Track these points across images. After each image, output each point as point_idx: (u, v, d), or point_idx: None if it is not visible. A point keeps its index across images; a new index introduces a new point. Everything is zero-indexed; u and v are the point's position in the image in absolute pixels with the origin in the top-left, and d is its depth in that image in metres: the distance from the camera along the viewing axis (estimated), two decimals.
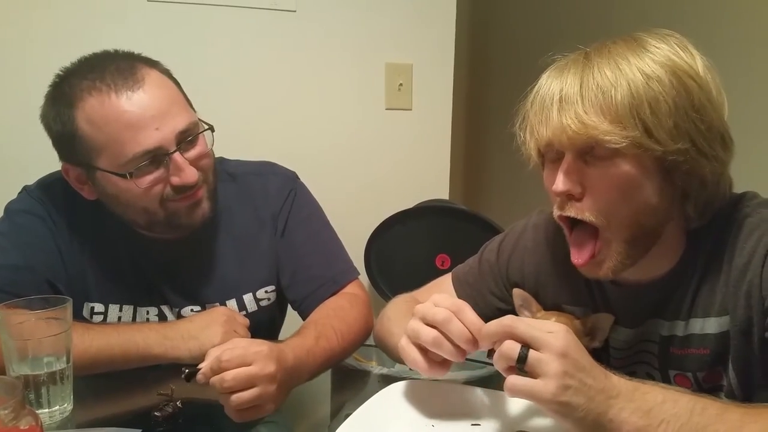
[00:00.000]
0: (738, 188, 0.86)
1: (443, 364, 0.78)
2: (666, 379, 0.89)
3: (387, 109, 1.92)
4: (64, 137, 1.01)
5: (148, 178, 1.00)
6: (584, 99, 0.77)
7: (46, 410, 0.83)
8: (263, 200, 1.20)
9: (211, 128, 1.07)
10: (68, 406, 0.86)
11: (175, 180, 1.01)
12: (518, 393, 0.67)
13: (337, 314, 1.10)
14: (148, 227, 1.07)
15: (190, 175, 1.01)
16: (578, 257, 0.83)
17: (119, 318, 1.12)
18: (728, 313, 0.81)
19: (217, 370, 0.82)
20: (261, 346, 0.86)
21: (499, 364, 0.70)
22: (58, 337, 0.84)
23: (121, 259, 1.11)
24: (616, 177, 0.78)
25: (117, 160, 0.98)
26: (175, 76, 1.09)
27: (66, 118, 0.99)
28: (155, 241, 1.11)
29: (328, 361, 1.02)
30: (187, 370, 0.85)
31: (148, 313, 1.13)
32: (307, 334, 1.01)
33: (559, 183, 0.80)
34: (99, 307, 1.11)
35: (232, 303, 1.15)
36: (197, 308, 1.14)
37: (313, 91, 1.84)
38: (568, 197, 0.81)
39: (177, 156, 1.00)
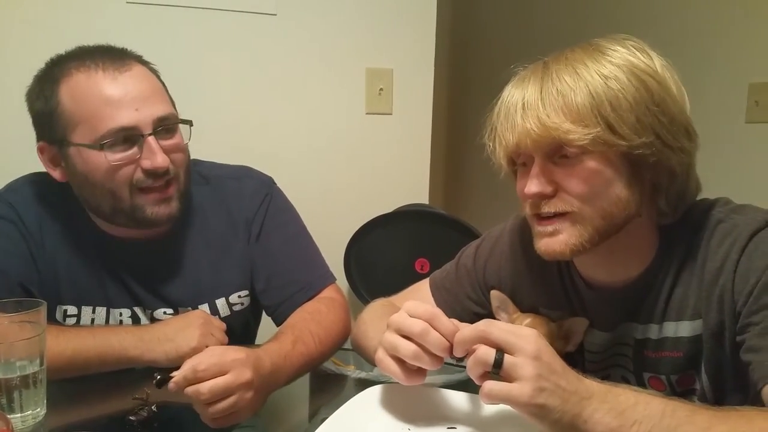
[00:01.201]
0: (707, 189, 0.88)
1: (420, 372, 0.78)
2: (640, 382, 0.90)
3: (367, 113, 1.92)
4: (43, 113, 1.02)
5: (120, 155, 1.00)
6: (545, 103, 0.79)
7: (18, 415, 0.82)
8: (237, 204, 1.19)
9: (190, 123, 1.08)
10: (41, 411, 0.85)
11: (146, 163, 1.01)
12: (495, 398, 0.68)
13: (314, 318, 1.10)
14: (111, 216, 1.06)
15: (162, 160, 1.01)
16: (542, 222, 0.84)
17: (92, 320, 1.11)
18: (701, 317, 0.82)
19: (193, 379, 0.81)
20: (238, 353, 0.86)
21: (473, 371, 0.70)
22: (31, 340, 0.83)
23: (94, 261, 1.10)
24: (584, 173, 0.80)
25: (93, 134, 0.99)
26: None
27: (49, 93, 1.01)
28: (127, 242, 1.10)
29: (306, 366, 1.02)
30: (159, 377, 0.84)
31: (121, 315, 1.12)
32: (284, 339, 1.01)
33: (531, 186, 0.82)
34: (72, 310, 1.10)
35: (204, 307, 1.14)
36: (170, 311, 1.13)
37: (294, 95, 1.84)
38: (541, 197, 0.83)
39: (151, 139, 1.01)
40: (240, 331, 1.21)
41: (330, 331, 1.09)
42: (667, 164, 0.80)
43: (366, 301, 1.56)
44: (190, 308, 1.13)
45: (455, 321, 0.76)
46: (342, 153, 1.91)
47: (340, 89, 1.88)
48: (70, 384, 0.97)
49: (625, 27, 0.87)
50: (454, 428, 0.80)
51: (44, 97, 1.02)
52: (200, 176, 1.18)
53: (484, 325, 0.71)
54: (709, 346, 0.82)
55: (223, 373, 0.82)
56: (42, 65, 1.05)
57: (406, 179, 1.99)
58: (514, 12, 2.78)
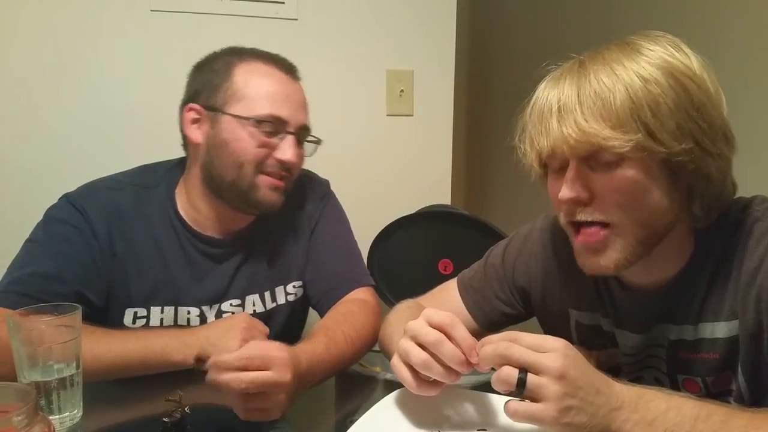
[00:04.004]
0: (742, 190, 0.86)
1: (433, 384, 0.78)
2: (674, 384, 0.89)
3: (388, 115, 1.92)
4: (210, 83, 1.14)
5: (265, 139, 1.12)
6: (583, 106, 0.76)
7: (57, 416, 0.83)
8: (300, 202, 1.28)
9: (320, 142, 1.22)
10: (78, 413, 0.87)
11: (280, 154, 1.13)
12: (520, 418, 0.68)
13: (347, 319, 1.11)
14: (227, 189, 1.14)
15: (293, 156, 1.13)
16: (584, 237, 0.81)
17: (161, 320, 1.14)
18: (738, 317, 0.81)
19: (235, 367, 0.82)
20: (282, 352, 0.87)
21: (497, 387, 0.70)
22: (68, 343, 0.84)
23: (164, 261, 1.14)
24: (623, 182, 0.77)
25: (251, 111, 1.11)
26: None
27: (224, 65, 1.14)
28: (205, 235, 1.17)
29: (337, 367, 1.03)
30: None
31: (189, 313, 1.15)
32: (317, 341, 1.02)
33: (566, 191, 0.79)
34: (141, 312, 1.13)
35: (267, 294, 1.21)
36: (237, 301, 1.18)
37: (315, 99, 1.82)
38: (576, 203, 0.80)
39: (292, 137, 1.14)
40: (292, 324, 1.27)
41: (361, 333, 1.10)
42: (706, 171, 0.78)
43: (390, 303, 1.56)
44: (257, 294, 1.21)
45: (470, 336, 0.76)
46: (363, 155, 1.92)
47: (361, 91, 1.89)
48: (104, 386, 0.99)
49: (651, 26, 0.85)
50: (485, 430, 0.79)
51: (217, 70, 1.14)
52: None
53: (504, 347, 0.70)
54: (746, 347, 0.81)
55: (266, 368, 0.83)
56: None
57: (427, 180, 1.99)
58: (535, 11, 2.76)
